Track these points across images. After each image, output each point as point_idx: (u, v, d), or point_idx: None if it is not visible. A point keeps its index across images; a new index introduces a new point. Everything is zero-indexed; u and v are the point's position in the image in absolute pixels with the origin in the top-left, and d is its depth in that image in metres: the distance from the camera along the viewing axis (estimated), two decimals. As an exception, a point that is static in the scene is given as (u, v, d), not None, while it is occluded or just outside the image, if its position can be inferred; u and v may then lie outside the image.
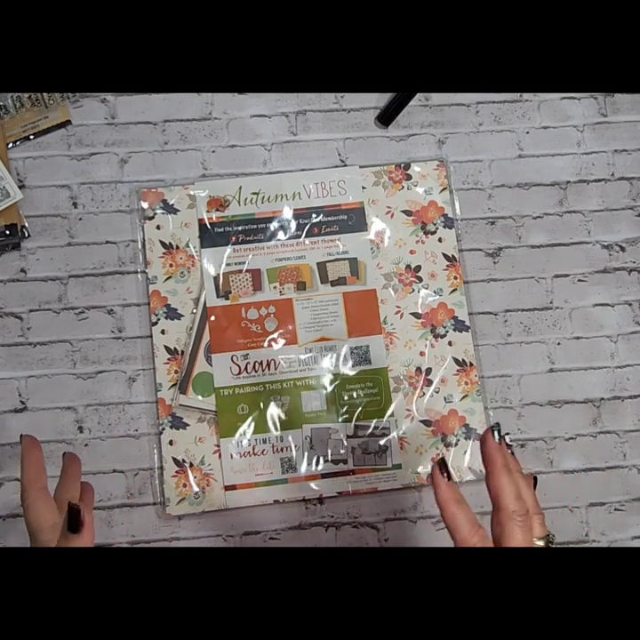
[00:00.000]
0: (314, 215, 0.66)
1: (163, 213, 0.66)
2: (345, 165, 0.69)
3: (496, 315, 0.67)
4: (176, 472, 0.61)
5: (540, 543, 0.44)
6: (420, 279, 0.66)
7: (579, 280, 0.68)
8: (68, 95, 0.68)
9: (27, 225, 0.66)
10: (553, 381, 0.66)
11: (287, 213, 0.66)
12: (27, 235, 0.65)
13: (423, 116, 0.70)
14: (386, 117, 0.69)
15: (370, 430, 0.63)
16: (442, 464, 0.44)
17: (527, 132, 0.70)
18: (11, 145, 0.67)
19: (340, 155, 0.69)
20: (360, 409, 0.63)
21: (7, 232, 0.65)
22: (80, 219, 0.66)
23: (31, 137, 0.67)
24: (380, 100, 0.70)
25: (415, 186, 0.68)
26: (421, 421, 0.63)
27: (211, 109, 0.69)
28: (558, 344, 0.66)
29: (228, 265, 0.65)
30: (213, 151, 0.68)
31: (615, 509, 0.64)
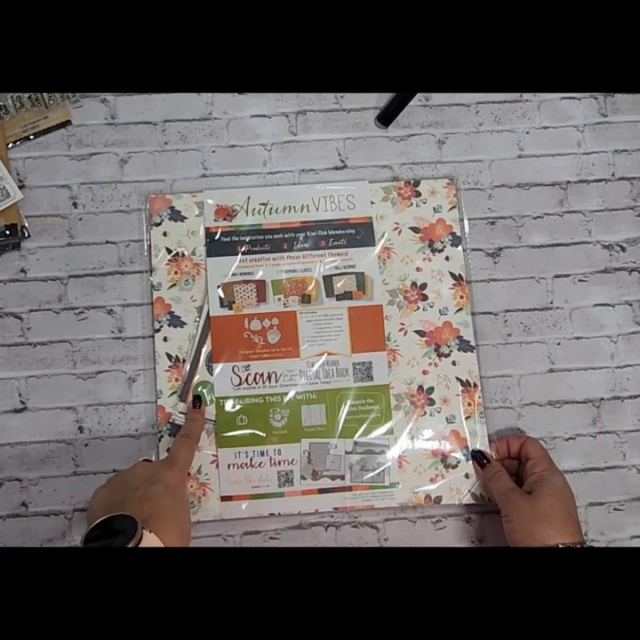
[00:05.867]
0: (322, 228, 0.66)
1: (170, 220, 0.66)
2: (345, 166, 0.69)
3: (496, 315, 0.67)
4: None
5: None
6: (426, 297, 0.66)
7: (579, 280, 0.68)
8: (68, 95, 0.68)
9: (27, 225, 0.66)
10: (553, 381, 0.66)
11: (295, 225, 0.66)
12: (27, 235, 0.65)
13: (423, 116, 0.70)
14: (386, 117, 0.69)
15: (369, 447, 0.62)
16: (477, 457, 0.61)
17: (527, 132, 0.70)
18: (11, 145, 0.67)
19: (339, 155, 0.69)
20: (360, 425, 0.62)
21: (7, 232, 0.65)
22: (80, 219, 0.66)
23: (31, 137, 0.67)
24: (380, 100, 0.70)
25: (424, 203, 0.67)
26: (421, 440, 0.63)
27: (211, 109, 0.69)
28: (558, 344, 0.66)
29: (233, 275, 0.65)
30: (213, 151, 0.68)
31: (614, 509, 0.64)
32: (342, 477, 0.61)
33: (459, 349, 0.65)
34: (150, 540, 0.45)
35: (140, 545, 0.44)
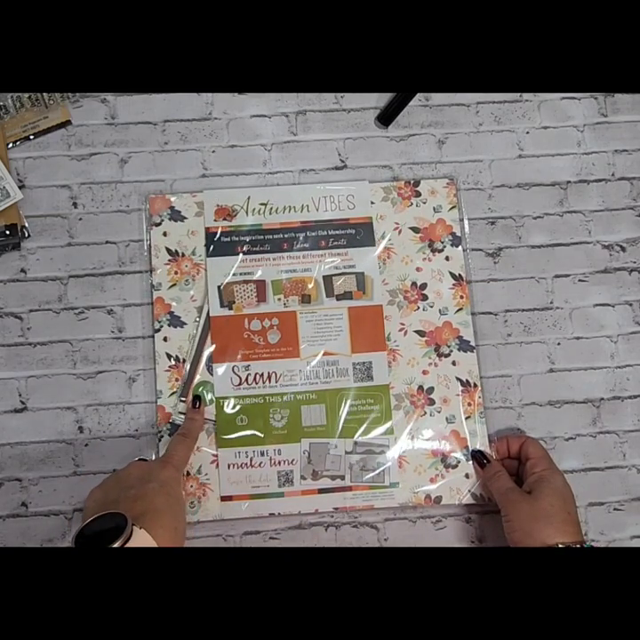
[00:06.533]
0: (322, 228, 0.66)
1: (170, 220, 0.66)
2: (345, 166, 0.69)
3: (496, 315, 0.67)
4: None
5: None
6: (426, 297, 0.66)
7: (579, 280, 0.68)
8: (68, 95, 0.68)
9: (27, 225, 0.66)
10: (553, 381, 0.66)
11: (295, 225, 0.66)
12: (27, 235, 0.65)
13: (423, 116, 0.70)
14: (386, 117, 0.69)
15: (369, 447, 0.62)
16: (477, 457, 0.61)
17: (527, 132, 0.70)
18: (11, 145, 0.67)
19: (339, 155, 0.69)
20: (360, 425, 0.62)
21: (7, 232, 0.65)
22: (80, 219, 0.66)
23: (31, 137, 0.67)
24: (380, 100, 0.70)
25: (424, 203, 0.67)
26: (421, 440, 0.63)
27: (211, 109, 0.69)
28: (558, 344, 0.66)
29: (233, 275, 0.65)
30: (213, 151, 0.68)
31: (614, 509, 0.64)
32: (342, 477, 0.61)
33: (459, 349, 0.64)
34: (141, 537, 0.45)
35: (131, 542, 0.44)
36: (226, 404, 0.62)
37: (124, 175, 0.67)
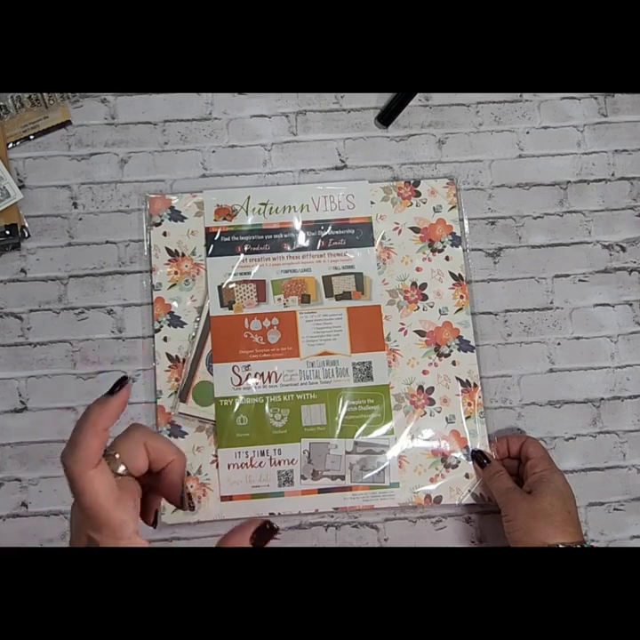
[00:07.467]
0: (321, 228, 0.66)
1: (170, 220, 0.66)
2: (345, 166, 0.69)
3: (496, 315, 0.67)
4: None
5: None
6: (426, 297, 0.66)
7: (579, 280, 0.68)
8: (68, 95, 0.68)
9: (27, 225, 0.66)
10: (553, 381, 0.66)
11: (295, 225, 0.66)
12: (27, 235, 0.65)
13: (423, 116, 0.70)
14: (386, 117, 0.69)
15: (369, 447, 0.62)
16: (477, 457, 0.61)
17: (527, 132, 0.70)
18: (11, 145, 0.67)
19: (340, 155, 0.69)
20: (360, 425, 0.62)
21: (7, 232, 0.65)
22: (80, 219, 0.66)
23: (31, 137, 0.67)
24: (380, 100, 0.70)
25: (424, 203, 0.67)
26: (421, 440, 0.63)
27: (211, 109, 0.69)
28: (558, 344, 0.66)
29: (233, 275, 0.65)
30: (213, 151, 0.68)
31: (614, 509, 0.64)
32: (342, 477, 0.61)
33: (459, 349, 0.64)
34: None
35: None
36: (226, 403, 0.62)
37: (124, 175, 0.67)
